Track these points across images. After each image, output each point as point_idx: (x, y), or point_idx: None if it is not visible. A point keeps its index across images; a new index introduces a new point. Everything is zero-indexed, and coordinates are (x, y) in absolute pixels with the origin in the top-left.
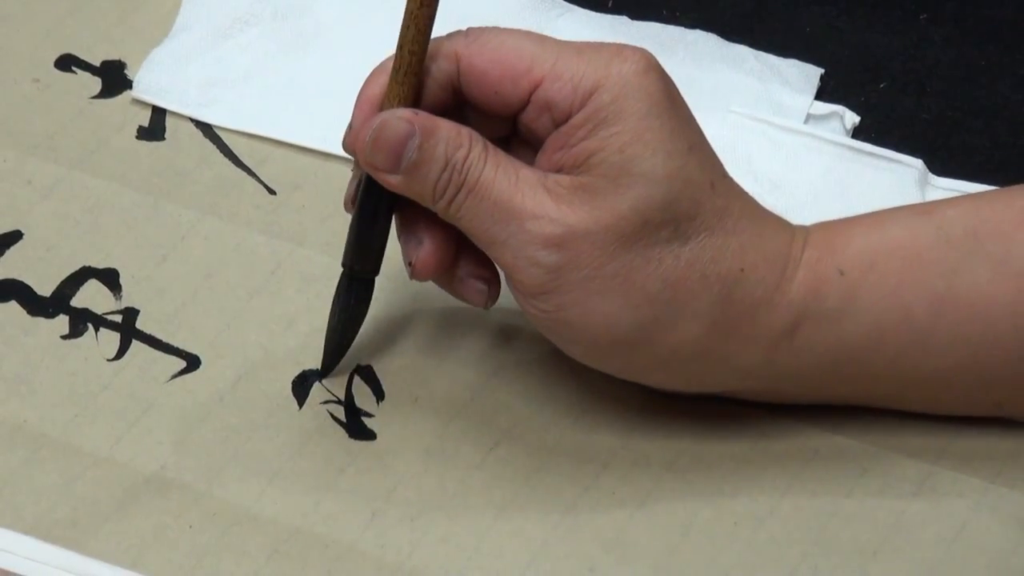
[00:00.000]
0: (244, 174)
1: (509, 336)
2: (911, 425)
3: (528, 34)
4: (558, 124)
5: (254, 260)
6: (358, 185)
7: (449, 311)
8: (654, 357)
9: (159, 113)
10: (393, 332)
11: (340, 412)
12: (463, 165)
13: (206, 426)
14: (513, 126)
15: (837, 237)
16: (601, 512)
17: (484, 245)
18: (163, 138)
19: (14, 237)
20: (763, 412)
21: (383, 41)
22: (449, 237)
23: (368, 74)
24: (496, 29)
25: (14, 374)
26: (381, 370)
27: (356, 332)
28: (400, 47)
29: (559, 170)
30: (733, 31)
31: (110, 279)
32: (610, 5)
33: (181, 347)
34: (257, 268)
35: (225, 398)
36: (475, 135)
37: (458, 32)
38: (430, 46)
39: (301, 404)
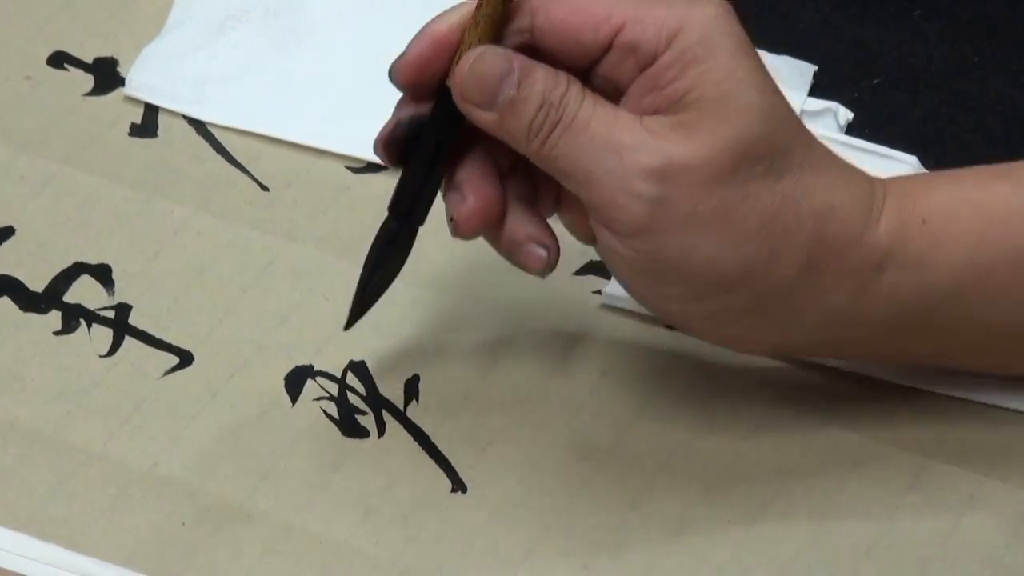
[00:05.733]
0: (237, 171)
1: (503, 335)
2: (905, 417)
3: None
4: (643, 68)
5: (247, 256)
6: (396, 126)
7: (444, 310)
8: (750, 297)
9: (152, 110)
10: (387, 330)
11: (333, 409)
12: (560, 103)
13: (199, 423)
14: (587, 81)
15: (916, 188)
16: (595, 511)
17: (579, 184)
18: (156, 135)
19: (6, 233)
20: (757, 408)
21: (375, 37)
22: (496, 199)
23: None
24: None
25: (6, 371)
26: (375, 367)
27: (389, 284)
28: None
29: (653, 113)
30: None
31: (103, 275)
32: None
33: (174, 343)
34: (250, 264)
35: (218, 394)
36: (572, 78)
37: None
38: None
39: (294, 401)
